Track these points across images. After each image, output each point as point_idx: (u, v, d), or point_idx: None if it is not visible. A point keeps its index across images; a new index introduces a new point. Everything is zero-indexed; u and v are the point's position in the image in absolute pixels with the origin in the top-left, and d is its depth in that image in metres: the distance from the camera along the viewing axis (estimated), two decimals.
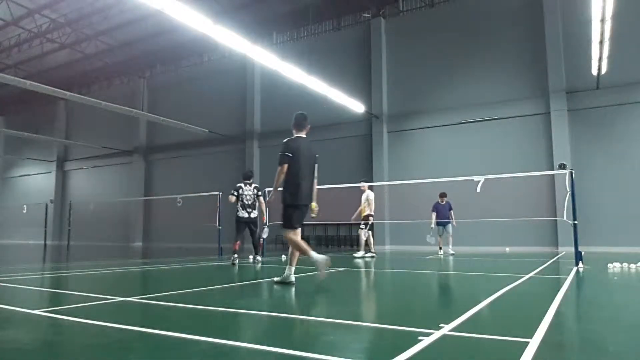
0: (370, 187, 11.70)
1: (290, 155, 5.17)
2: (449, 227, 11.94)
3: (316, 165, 5.38)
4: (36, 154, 30.33)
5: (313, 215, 5.41)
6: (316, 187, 5.41)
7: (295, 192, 5.16)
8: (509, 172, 11.43)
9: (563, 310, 3.58)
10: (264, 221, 9.51)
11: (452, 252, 11.80)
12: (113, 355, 2.31)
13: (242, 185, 8.91)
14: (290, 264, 5.25)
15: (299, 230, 5.26)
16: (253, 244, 9.25)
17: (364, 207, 11.13)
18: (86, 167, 28.56)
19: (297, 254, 5.27)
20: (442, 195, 12.23)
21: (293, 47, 21.01)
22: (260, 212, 9.24)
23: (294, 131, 5.39)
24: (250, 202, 8.81)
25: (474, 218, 12.92)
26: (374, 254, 11.02)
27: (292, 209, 5.19)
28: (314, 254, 5.05)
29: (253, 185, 8.98)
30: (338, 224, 18.21)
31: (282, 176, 5.19)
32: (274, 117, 20.89)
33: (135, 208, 25.00)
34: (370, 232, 11.16)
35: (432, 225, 11.96)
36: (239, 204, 8.79)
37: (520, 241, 14.70)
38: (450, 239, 11.98)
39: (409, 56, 18.01)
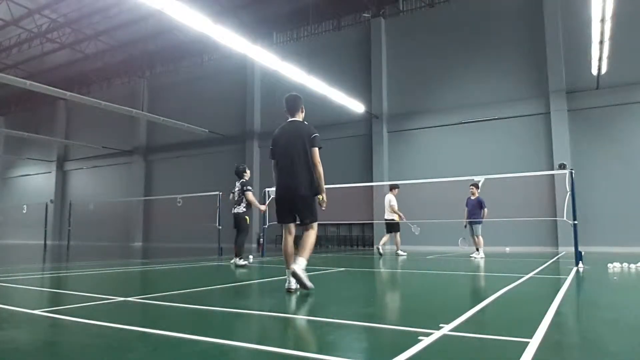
0: (392, 188, 12.20)
1: (271, 147, 4.69)
2: (476, 226, 10.44)
3: (314, 149, 4.50)
4: (36, 154, 30.33)
5: (323, 208, 4.70)
6: (319, 174, 4.50)
7: (276, 185, 4.59)
8: (509, 172, 11.44)
9: (563, 310, 3.58)
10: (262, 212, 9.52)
11: (474, 255, 10.24)
12: (113, 355, 2.30)
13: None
14: (288, 266, 4.47)
15: (290, 227, 4.55)
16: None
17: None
18: (86, 167, 28.56)
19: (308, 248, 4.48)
20: (472, 185, 10.69)
21: (293, 47, 21.01)
22: (249, 206, 8.56)
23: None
24: (236, 199, 8.58)
25: (473, 216, 12.89)
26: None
27: (276, 203, 4.60)
28: (292, 266, 4.30)
29: (240, 181, 8.60)
30: (338, 224, 18.22)
31: (274, 172, 4.66)
32: (274, 117, 20.83)
33: (135, 208, 25.01)
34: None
35: (465, 223, 10.60)
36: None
37: (520, 241, 14.70)
38: (476, 240, 10.48)
39: (409, 56, 18.01)
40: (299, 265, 4.24)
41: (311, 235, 4.49)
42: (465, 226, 10.74)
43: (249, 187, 8.56)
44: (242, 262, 8.18)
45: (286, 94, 4.93)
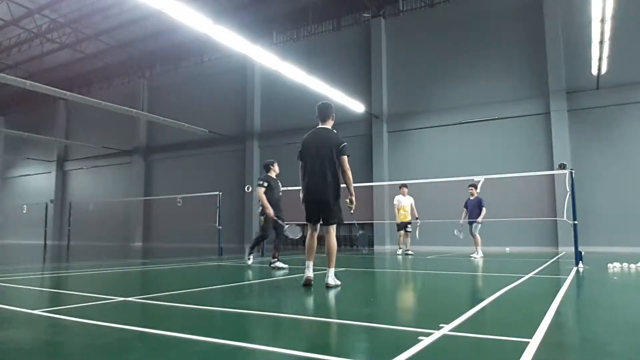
0: (404, 189, 12.34)
1: (300, 150, 5.06)
2: (476, 226, 10.51)
3: (343, 157, 4.88)
4: (36, 154, 30.32)
5: (352, 212, 5.09)
6: (349, 180, 4.95)
7: (303, 188, 4.99)
8: (509, 172, 11.43)
9: (563, 310, 3.58)
10: (266, 215, 7.71)
11: (473, 255, 10.34)
12: (113, 355, 2.30)
13: None
14: (308, 258, 4.92)
15: (316, 226, 4.98)
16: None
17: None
18: (86, 167, 28.56)
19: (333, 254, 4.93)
20: (471, 186, 10.75)
21: (293, 47, 21.01)
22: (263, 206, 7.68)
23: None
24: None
25: (474, 218, 12.91)
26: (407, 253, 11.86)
27: (305, 204, 5.01)
28: (309, 264, 4.90)
29: None
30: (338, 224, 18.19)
31: (300, 173, 5.03)
32: (274, 117, 20.89)
33: (135, 208, 24.99)
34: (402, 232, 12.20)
35: (461, 222, 10.72)
36: None
37: (520, 241, 14.69)
38: (477, 238, 10.53)
39: (409, 56, 18.01)
40: (330, 277, 4.84)
41: (332, 241, 4.93)
42: (462, 225, 10.78)
43: (260, 182, 7.73)
44: (249, 261, 7.89)
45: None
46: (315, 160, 4.89)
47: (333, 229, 4.93)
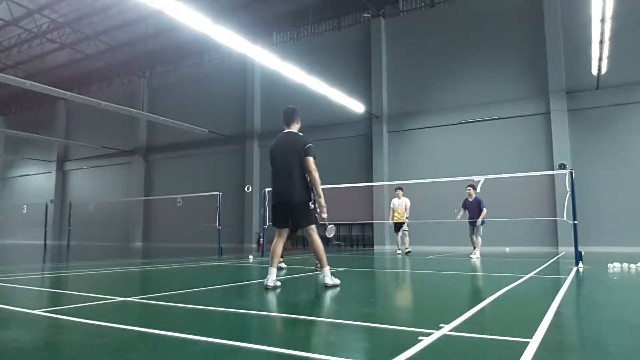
0: (403, 190, 12.67)
1: (270, 157, 5.07)
2: (478, 227, 10.58)
3: (308, 158, 4.77)
4: (36, 154, 30.33)
5: (323, 215, 5.02)
6: (315, 181, 4.80)
7: (272, 192, 5.02)
8: (509, 172, 11.42)
9: (563, 310, 3.58)
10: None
11: (472, 255, 10.35)
12: (113, 355, 2.30)
13: None
14: (272, 264, 4.82)
15: (282, 232, 4.91)
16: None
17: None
18: (86, 167, 28.56)
19: (322, 254, 4.84)
20: (469, 186, 10.75)
21: (293, 47, 21.01)
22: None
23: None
24: None
25: (474, 218, 12.90)
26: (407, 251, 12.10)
27: (272, 209, 5.02)
28: (272, 270, 4.73)
29: None
30: (338, 224, 18.21)
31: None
32: (274, 117, 20.78)
33: (135, 208, 25.00)
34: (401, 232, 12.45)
35: (458, 217, 10.75)
36: None
37: (520, 241, 14.69)
38: (476, 240, 10.62)
39: (409, 56, 18.01)
40: (326, 277, 4.80)
41: (315, 241, 4.83)
42: (457, 214, 10.84)
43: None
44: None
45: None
46: (281, 164, 4.88)
47: (313, 230, 4.84)
